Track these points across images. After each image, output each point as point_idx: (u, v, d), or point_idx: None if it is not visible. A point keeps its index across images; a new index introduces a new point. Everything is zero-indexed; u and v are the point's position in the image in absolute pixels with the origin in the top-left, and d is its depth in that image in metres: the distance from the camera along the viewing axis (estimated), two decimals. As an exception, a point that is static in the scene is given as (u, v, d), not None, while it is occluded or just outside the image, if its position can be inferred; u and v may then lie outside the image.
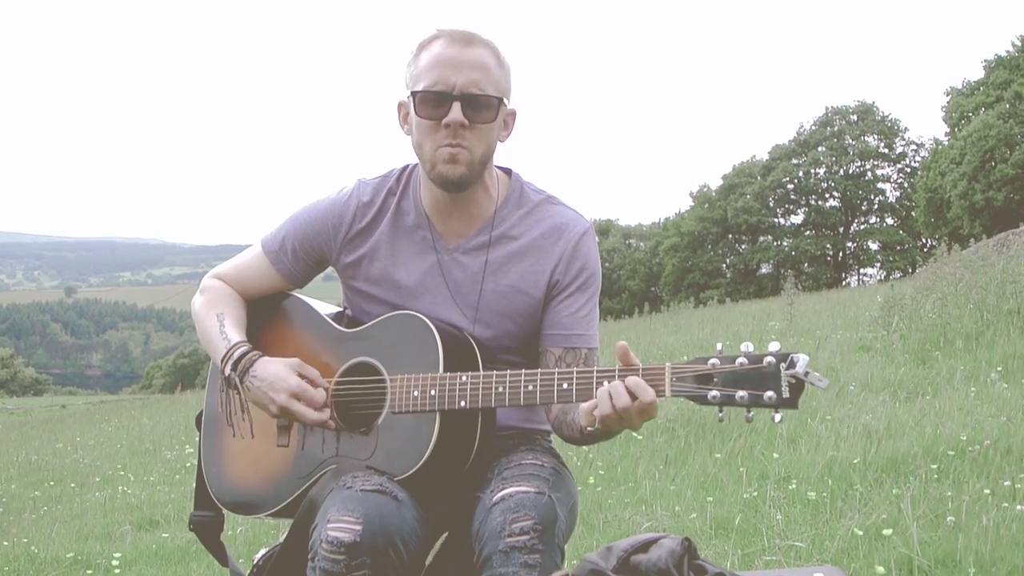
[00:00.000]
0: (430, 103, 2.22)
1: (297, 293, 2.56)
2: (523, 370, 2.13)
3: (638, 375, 1.99)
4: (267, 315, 2.52)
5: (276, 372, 2.28)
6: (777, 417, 1.91)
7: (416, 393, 2.19)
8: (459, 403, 2.15)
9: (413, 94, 2.25)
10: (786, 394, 1.89)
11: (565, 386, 2.08)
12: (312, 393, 2.27)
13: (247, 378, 2.30)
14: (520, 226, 2.38)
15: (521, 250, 2.37)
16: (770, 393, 1.89)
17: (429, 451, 2.15)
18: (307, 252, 2.46)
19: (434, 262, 2.38)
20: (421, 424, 2.18)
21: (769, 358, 1.90)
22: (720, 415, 1.97)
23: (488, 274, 2.36)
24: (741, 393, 1.91)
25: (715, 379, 1.93)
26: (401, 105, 2.35)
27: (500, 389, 2.13)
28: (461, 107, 2.20)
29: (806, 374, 1.87)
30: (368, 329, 2.37)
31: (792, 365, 1.88)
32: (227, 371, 2.33)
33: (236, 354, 2.33)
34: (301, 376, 2.29)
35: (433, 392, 2.17)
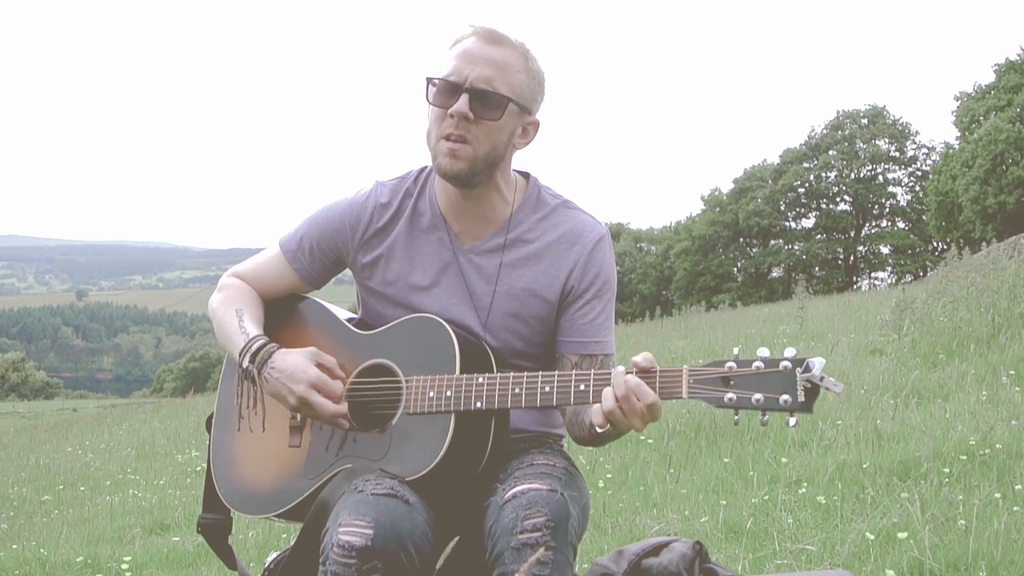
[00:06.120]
0: (441, 91, 2.26)
1: (313, 296, 2.57)
2: (540, 372, 2.14)
3: (655, 377, 2.00)
4: (283, 316, 2.53)
5: (295, 363, 2.28)
6: (792, 421, 1.93)
7: (432, 394, 2.20)
8: (475, 404, 2.16)
9: (428, 80, 2.27)
10: (801, 398, 1.90)
11: (583, 387, 2.09)
12: (331, 385, 2.28)
13: (265, 369, 2.30)
14: (536, 230, 2.39)
15: (536, 253, 2.38)
16: (786, 397, 1.91)
17: (443, 452, 2.16)
18: (324, 252, 2.48)
19: (450, 262, 2.39)
20: (435, 426, 2.19)
21: (785, 362, 1.92)
22: (736, 418, 1.99)
23: (502, 276, 2.37)
24: (757, 396, 1.92)
25: (732, 382, 1.95)
26: None
27: (517, 390, 2.13)
28: (468, 100, 2.22)
29: (821, 379, 1.89)
30: (384, 332, 2.37)
31: (808, 369, 1.90)
32: (245, 363, 2.33)
33: (255, 347, 2.33)
34: (319, 365, 2.30)
35: (449, 393, 2.18)
